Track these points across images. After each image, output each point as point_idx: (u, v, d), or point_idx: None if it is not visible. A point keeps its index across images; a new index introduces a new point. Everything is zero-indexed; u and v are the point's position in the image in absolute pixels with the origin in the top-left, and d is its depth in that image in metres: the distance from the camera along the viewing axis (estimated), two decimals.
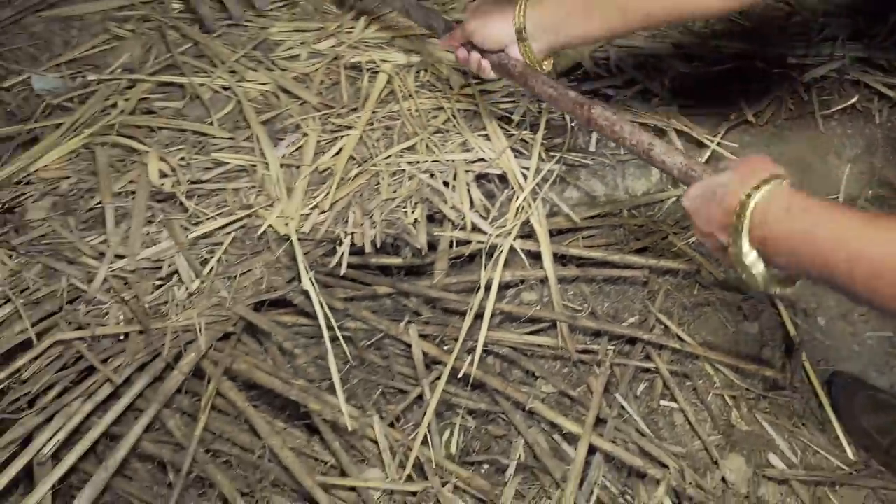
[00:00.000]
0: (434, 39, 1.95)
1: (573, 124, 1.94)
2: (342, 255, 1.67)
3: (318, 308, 1.52)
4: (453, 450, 1.60)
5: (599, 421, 1.58)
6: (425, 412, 1.55)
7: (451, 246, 1.77)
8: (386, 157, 1.74)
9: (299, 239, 1.65)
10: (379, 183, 1.73)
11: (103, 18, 2.25)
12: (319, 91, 1.92)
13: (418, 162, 1.76)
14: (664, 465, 1.51)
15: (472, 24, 1.30)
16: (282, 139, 1.82)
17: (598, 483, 1.52)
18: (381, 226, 1.68)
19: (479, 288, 1.65)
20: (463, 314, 1.80)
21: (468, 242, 1.77)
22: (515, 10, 1.21)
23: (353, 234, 1.67)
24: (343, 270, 1.66)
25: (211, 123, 1.81)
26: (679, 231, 1.90)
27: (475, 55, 1.33)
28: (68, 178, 1.76)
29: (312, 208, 1.68)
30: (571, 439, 1.60)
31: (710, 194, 0.90)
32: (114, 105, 1.89)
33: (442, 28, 1.46)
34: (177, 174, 1.71)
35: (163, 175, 1.72)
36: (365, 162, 1.74)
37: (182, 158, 1.74)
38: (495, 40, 1.27)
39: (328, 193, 1.67)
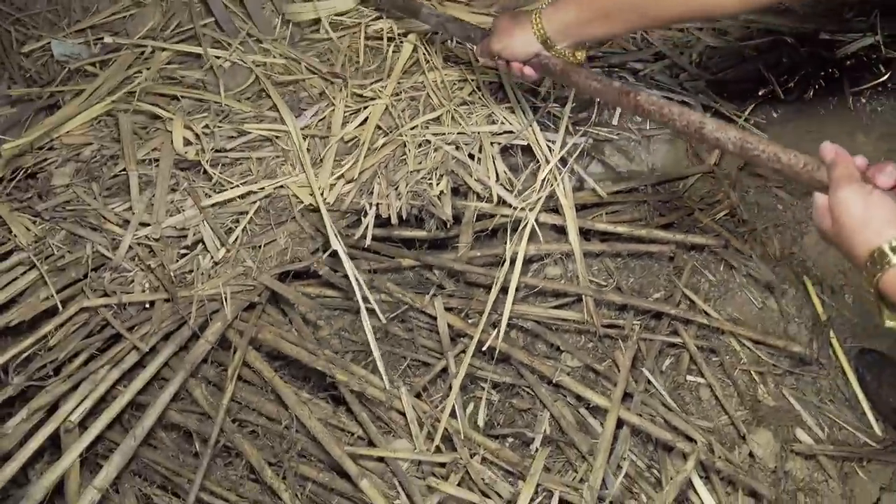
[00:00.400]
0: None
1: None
2: (367, 226, 1.65)
3: (349, 269, 1.48)
4: (480, 422, 1.59)
5: (626, 395, 1.57)
6: (451, 385, 1.54)
7: (476, 219, 1.76)
8: (412, 128, 1.72)
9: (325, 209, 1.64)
10: (405, 154, 1.71)
11: None
12: (343, 63, 1.89)
13: (444, 133, 1.74)
14: (691, 440, 1.50)
15: (497, 45, 1.31)
16: (305, 109, 1.80)
17: (625, 457, 1.51)
18: (407, 197, 1.66)
19: (504, 261, 1.63)
20: (487, 287, 1.79)
21: (492, 216, 1.75)
22: (532, 22, 1.22)
23: (378, 205, 1.66)
24: (368, 242, 1.64)
25: (237, 99, 1.79)
26: (705, 207, 1.88)
27: (515, 64, 1.34)
28: (91, 144, 1.74)
29: (338, 178, 1.66)
30: (597, 413, 1.59)
31: (848, 226, 0.82)
32: (137, 72, 1.86)
33: (479, 37, 1.46)
34: (201, 142, 1.69)
35: (186, 143, 1.70)
36: (391, 132, 1.72)
37: (206, 126, 1.72)
38: (524, 52, 1.28)
39: (356, 163, 1.65)
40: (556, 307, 1.73)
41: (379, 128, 1.74)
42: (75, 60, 1.98)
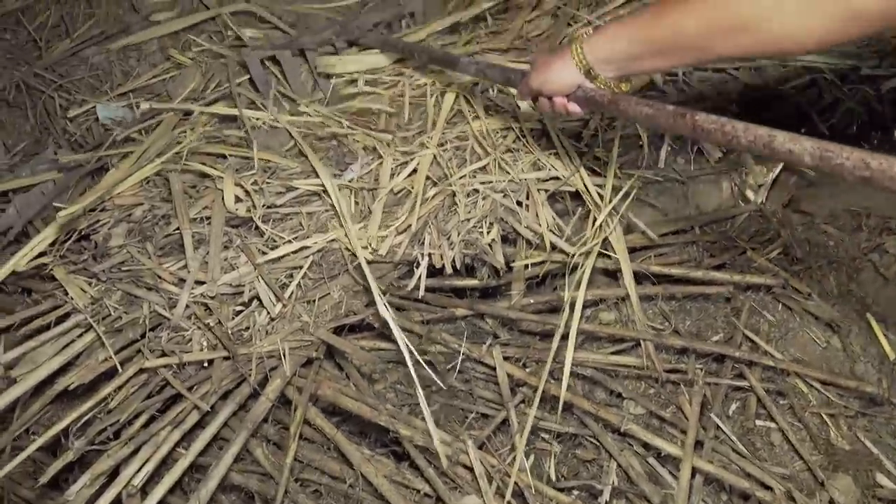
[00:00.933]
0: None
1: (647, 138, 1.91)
2: (420, 277, 1.63)
3: (396, 332, 1.44)
4: (552, 475, 1.55)
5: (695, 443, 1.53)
6: (516, 437, 1.51)
7: (526, 266, 1.74)
8: (460, 177, 1.72)
9: (376, 262, 1.63)
10: (455, 204, 1.70)
11: (160, 47, 2.27)
12: (385, 117, 1.90)
13: (491, 182, 1.73)
14: (768, 487, 1.45)
15: (537, 80, 1.27)
16: (350, 164, 1.81)
17: None
18: (460, 246, 1.65)
19: (563, 308, 1.60)
20: (541, 335, 1.77)
21: (542, 262, 1.73)
22: (573, 53, 1.17)
23: (430, 255, 1.64)
24: (421, 293, 1.63)
25: (282, 156, 1.80)
26: (757, 246, 1.86)
27: (558, 100, 1.28)
28: (141, 204, 1.74)
29: (390, 230, 1.65)
30: (666, 462, 1.55)
31: None
32: (182, 133, 1.88)
33: (519, 79, 1.41)
34: (251, 199, 1.69)
35: (237, 200, 1.70)
36: (440, 181, 1.72)
37: (254, 183, 1.72)
38: (566, 84, 1.23)
39: (409, 213, 1.64)
40: (613, 353, 1.70)
41: (427, 178, 1.74)
42: (119, 125, 2.00)
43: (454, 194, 1.70)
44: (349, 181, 1.75)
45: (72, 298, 1.56)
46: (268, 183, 1.73)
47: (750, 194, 1.98)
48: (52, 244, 1.66)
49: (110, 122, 2.05)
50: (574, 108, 1.27)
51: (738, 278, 1.71)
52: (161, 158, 1.79)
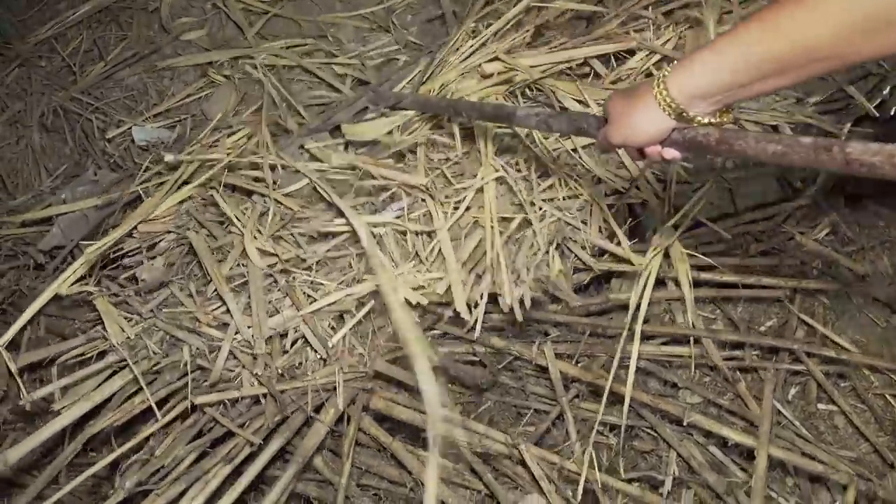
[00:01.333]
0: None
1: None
2: (476, 320, 1.47)
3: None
4: (620, 469, 1.53)
5: (753, 427, 1.49)
6: (573, 433, 1.49)
7: (573, 272, 1.69)
8: (531, 203, 1.57)
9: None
10: (536, 233, 1.56)
11: (194, 65, 2.28)
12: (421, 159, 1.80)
13: (553, 199, 1.61)
14: (837, 471, 1.42)
15: (619, 135, 1.02)
16: (396, 202, 1.72)
17: (768, 495, 1.43)
18: (531, 284, 1.51)
19: (629, 310, 1.53)
20: (591, 334, 1.72)
21: (589, 268, 1.69)
22: (656, 95, 0.93)
23: (498, 296, 1.48)
24: (476, 335, 1.50)
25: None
26: (805, 230, 1.81)
27: (650, 149, 1.01)
28: (169, 233, 1.68)
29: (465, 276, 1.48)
30: (729, 450, 1.52)
31: None
32: (213, 162, 1.80)
33: (594, 125, 1.17)
34: (277, 255, 1.54)
35: (265, 254, 1.55)
36: (513, 210, 1.58)
37: (290, 234, 1.58)
38: (655, 134, 0.97)
39: (476, 250, 1.52)
40: (664, 343, 1.67)
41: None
42: (155, 146, 2.01)
43: (529, 223, 1.56)
44: (394, 218, 1.60)
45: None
46: (301, 235, 1.59)
47: (798, 184, 1.94)
48: (92, 268, 1.64)
49: (146, 143, 2.07)
50: (672, 153, 1.01)
51: (793, 284, 1.66)
52: (190, 186, 1.72)
